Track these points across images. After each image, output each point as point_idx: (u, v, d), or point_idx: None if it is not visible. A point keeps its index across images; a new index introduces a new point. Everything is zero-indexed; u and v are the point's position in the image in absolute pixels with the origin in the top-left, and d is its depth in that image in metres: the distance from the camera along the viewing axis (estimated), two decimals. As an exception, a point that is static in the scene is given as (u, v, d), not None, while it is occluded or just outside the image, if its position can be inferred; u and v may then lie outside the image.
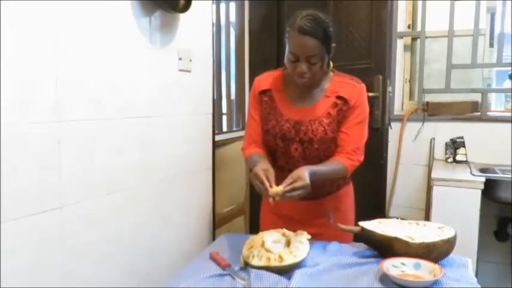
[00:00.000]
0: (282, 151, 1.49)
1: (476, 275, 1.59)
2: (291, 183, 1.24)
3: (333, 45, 1.39)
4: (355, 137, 1.46)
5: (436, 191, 2.19)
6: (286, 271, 1.18)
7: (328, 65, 1.44)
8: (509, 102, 2.70)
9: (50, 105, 1.22)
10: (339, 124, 1.46)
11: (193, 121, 1.93)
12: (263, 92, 1.53)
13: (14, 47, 1.11)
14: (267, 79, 1.55)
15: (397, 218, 1.41)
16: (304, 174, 1.26)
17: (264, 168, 1.29)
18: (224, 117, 2.69)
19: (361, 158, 1.47)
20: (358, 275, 1.18)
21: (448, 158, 2.64)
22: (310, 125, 1.44)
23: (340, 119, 1.45)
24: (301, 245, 1.24)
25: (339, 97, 1.45)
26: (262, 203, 1.70)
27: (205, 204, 2.08)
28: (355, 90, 1.46)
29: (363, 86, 1.49)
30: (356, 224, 1.42)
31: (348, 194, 1.63)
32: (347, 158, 1.44)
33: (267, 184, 1.23)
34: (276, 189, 1.22)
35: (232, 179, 2.58)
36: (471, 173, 2.27)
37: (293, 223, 1.49)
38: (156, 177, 1.70)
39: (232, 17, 2.68)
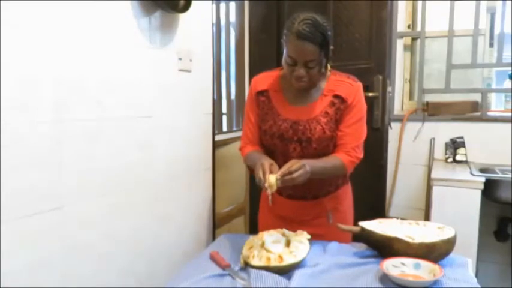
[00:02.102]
0: (280, 151, 1.49)
1: (476, 275, 1.59)
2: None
3: (331, 47, 1.38)
4: (353, 135, 1.46)
5: (436, 191, 2.19)
6: (286, 271, 1.18)
7: (326, 67, 1.44)
8: (509, 102, 2.70)
9: (50, 105, 1.22)
10: (337, 123, 1.46)
11: (193, 121, 1.93)
12: (260, 93, 1.53)
13: (14, 47, 1.11)
14: (264, 79, 1.55)
15: (397, 218, 1.41)
16: (299, 160, 1.30)
17: (271, 162, 1.32)
18: (224, 117, 2.69)
19: (361, 156, 1.47)
20: (358, 275, 1.18)
21: (448, 158, 2.64)
22: (307, 124, 1.44)
23: (338, 118, 1.45)
24: (301, 245, 1.25)
25: (335, 96, 1.45)
26: (261, 205, 1.70)
27: (205, 204, 2.08)
28: (351, 88, 1.46)
29: (360, 84, 1.49)
30: (355, 224, 1.42)
31: (347, 194, 1.63)
32: (346, 155, 1.44)
33: (268, 176, 1.25)
34: (273, 176, 1.24)
35: (232, 179, 2.58)
36: (471, 173, 2.27)
37: (292, 224, 1.49)
38: (156, 177, 1.69)
39: (232, 17, 2.68)
